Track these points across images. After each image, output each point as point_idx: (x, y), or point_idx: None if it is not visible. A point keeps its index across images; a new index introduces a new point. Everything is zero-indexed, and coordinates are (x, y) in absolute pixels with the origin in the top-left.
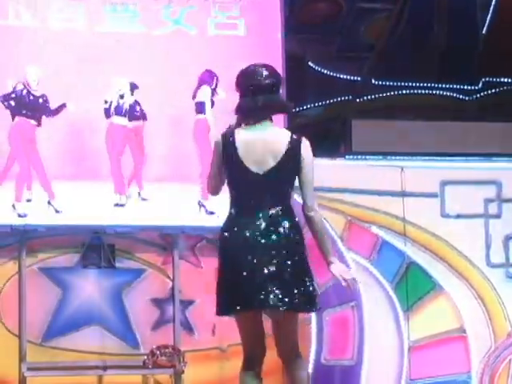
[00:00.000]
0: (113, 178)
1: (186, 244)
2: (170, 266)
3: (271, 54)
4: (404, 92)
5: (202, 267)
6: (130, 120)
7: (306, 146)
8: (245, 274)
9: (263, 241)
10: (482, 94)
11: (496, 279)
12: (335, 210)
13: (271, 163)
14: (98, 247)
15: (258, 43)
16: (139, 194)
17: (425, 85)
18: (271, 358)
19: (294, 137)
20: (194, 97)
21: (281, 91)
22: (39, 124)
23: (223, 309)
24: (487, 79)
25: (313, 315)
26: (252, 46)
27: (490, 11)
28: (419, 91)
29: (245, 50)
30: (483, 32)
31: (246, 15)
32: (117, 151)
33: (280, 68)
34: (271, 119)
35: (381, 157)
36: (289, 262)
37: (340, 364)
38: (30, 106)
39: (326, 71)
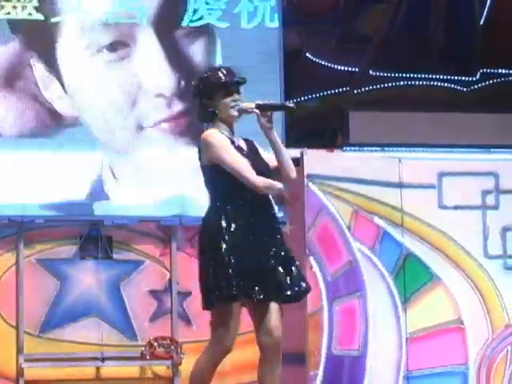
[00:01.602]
0: None
1: (183, 235)
2: (168, 258)
3: None
4: (402, 83)
5: None
6: None
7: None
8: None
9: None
10: (479, 85)
11: (493, 270)
12: (342, 199)
13: None
14: (96, 238)
15: None
16: None
17: (422, 76)
18: None
19: None
20: None
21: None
22: None
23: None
24: (485, 70)
25: (324, 305)
26: None
27: (488, 2)
28: (417, 82)
29: None
30: (481, 23)
31: None
32: None
33: (277, 59)
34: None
35: (378, 148)
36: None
37: (348, 354)
38: None
39: (323, 62)
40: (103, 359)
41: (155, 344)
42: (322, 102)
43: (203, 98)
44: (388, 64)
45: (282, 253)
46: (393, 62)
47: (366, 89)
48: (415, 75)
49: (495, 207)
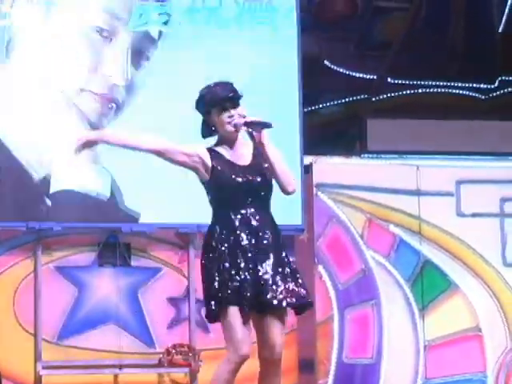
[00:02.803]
0: None
1: (202, 242)
2: (186, 265)
3: None
4: (420, 91)
5: None
6: None
7: None
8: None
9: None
10: (498, 92)
11: None
12: (355, 207)
13: None
14: (114, 246)
15: None
16: None
17: (441, 83)
18: (287, 357)
19: None
20: None
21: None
22: None
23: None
24: (504, 78)
25: (335, 314)
26: None
27: (507, 10)
28: (435, 90)
29: None
30: (500, 31)
31: None
32: None
33: (295, 67)
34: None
35: (396, 156)
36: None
37: (360, 363)
38: None
39: (341, 70)
40: (121, 367)
41: (173, 351)
42: (341, 109)
43: (203, 115)
44: (406, 71)
45: (280, 268)
46: (411, 69)
47: (385, 96)
48: (433, 82)
49: None
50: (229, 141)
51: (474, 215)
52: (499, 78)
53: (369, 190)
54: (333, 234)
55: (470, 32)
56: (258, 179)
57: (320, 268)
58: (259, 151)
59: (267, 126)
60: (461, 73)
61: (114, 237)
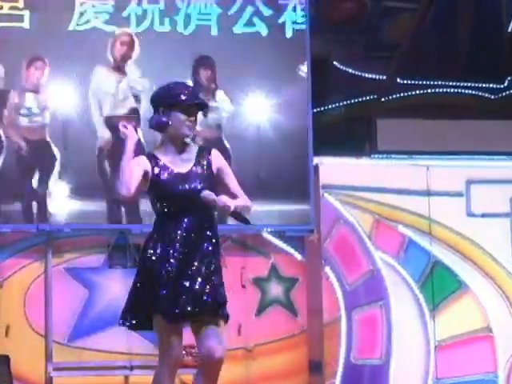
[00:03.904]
0: None
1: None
2: None
3: None
4: (429, 91)
5: (227, 267)
6: None
7: None
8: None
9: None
10: (507, 92)
11: None
12: (362, 208)
13: None
14: (124, 247)
15: None
16: None
17: (450, 84)
18: (297, 358)
19: None
20: None
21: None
22: None
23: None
24: None
25: (342, 314)
26: None
27: None
28: (444, 90)
29: None
30: (508, 30)
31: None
32: None
33: (305, 68)
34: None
35: (406, 156)
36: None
37: (369, 363)
38: None
39: (351, 70)
40: (131, 368)
41: (183, 352)
42: (350, 109)
43: (160, 106)
44: (415, 72)
45: (203, 269)
46: (420, 69)
47: (394, 96)
48: (443, 83)
49: None
50: (175, 142)
51: (484, 215)
52: (508, 78)
53: (378, 191)
54: (340, 235)
55: (479, 32)
56: (198, 187)
57: (327, 269)
58: (202, 157)
59: (246, 223)
60: (470, 73)
61: (123, 238)
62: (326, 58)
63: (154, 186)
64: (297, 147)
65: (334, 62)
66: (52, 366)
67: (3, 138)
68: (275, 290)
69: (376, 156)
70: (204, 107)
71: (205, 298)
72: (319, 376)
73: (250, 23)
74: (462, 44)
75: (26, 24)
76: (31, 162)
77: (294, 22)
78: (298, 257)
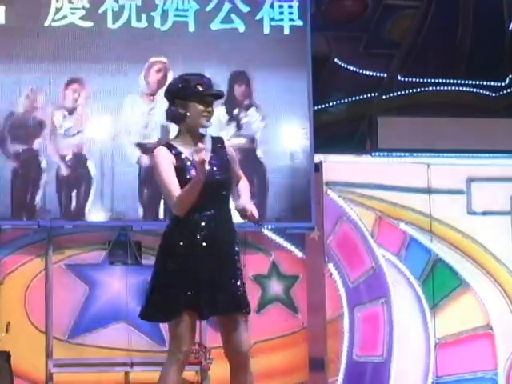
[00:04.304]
0: None
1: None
2: None
3: None
4: (430, 89)
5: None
6: None
7: None
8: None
9: None
10: (508, 90)
11: None
12: (365, 205)
13: None
14: (125, 244)
15: None
16: None
17: (451, 81)
18: (297, 356)
19: None
20: None
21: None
22: None
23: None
24: None
25: (345, 312)
26: None
27: None
28: (445, 88)
29: None
30: (509, 28)
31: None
32: None
33: (306, 65)
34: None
35: (407, 154)
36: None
37: (371, 361)
38: None
39: (351, 68)
40: (132, 364)
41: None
42: (351, 107)
43: (177, 97)
44: (416, 69)
45: (231, 265)
46: (421, 67)
47: (395, 94)
48: (444, 80)
49: None
50: (192, 133)
51: (484, 213)
52: (509, 76)
53: (379, 189)
54: (343, 233)
55: (480, 30)
56: (218, 176)
57: (330, 266)
58: (217, 147)
59: (259, 224)
60: (471, 70)
61: (124, 235)
62: (326, 55)
63: (177, 178)
64: (298, 145)
65: (335, 60)
66: (52, 363)
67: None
68: (275, 287)
69: (377, 154)
70: (220, 97)
71: (239, 293)
72: (320, 373)
73: (227, 20)
74: (463, 42)
75: (1, 19)
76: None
77: (272, 19)
78: (299, 254)
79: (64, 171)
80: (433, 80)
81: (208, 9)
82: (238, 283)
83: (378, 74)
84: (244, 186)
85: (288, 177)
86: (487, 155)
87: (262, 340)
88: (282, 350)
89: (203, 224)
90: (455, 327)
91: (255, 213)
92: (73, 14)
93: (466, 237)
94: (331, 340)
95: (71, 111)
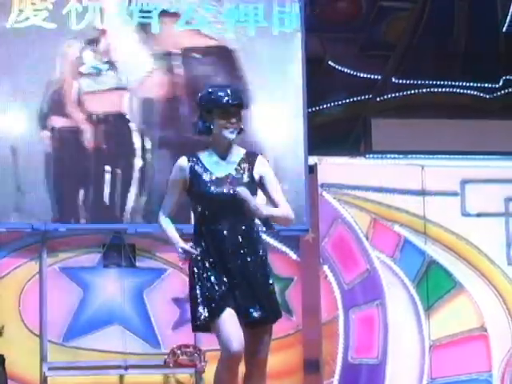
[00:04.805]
0: None
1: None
2: None
3: None
4: (424, 90)
5: None
6: None
7: None
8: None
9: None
10: (502, 92)
11: None
12: (360, 207)
13: None
14: (119, 247)
15: None
16: None
17: (445, 83)
18: (292, 358)
19: None
20: None
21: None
22: None
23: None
24: (508, 77)
25: (340, 314)
26: None
27: (511, 9)
28: (440, 90)
29: None
30: (504, 30)
31: None
32: None
33: (300, 67)
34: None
35: (401, 155)
36: None
37: (366, 363)
38: None
39: (346, 70)
40: (126, 367)
41: (178, 352)
42: (345, 109)
43: (203, 110)
44: (411, 71)
45: (258, 275)
46: (415, 69)
47: (389, 96)
48: (438, 82)
49: None
50: (219, 145)
51: (478, 215)
52: (503, 78)
53: (374, 190)
54: (338, 234)
55: (474, 32)
56: (231, 191)
57: (325, 268)
58: (245, 162)
59: (271, 230)
60: (465, 72)
61: (119, 238)
62: (321, 57)
63: (190, 188)
64: (292, 147)
65: (330, 62)
66: (47, 366)
67: None
68: None
69: (371, 155)
70: (241, 106)
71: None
72: (315, 375)
73: (191, 21)
74: (457, 44)
75: None
76: None
77: (238, 21)
78: (294, 256)
79: None
80: (427, 82)
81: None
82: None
83: (373, 76)
84: (276, 208)
85: (282, 179)
86: (481, 157)
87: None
88: (277, 352)
89: (214, 239)
90: (450, 329)
91: (262, 208)
92: (36, 15)
93: (460, 239)
94: (326, 342)
95: None
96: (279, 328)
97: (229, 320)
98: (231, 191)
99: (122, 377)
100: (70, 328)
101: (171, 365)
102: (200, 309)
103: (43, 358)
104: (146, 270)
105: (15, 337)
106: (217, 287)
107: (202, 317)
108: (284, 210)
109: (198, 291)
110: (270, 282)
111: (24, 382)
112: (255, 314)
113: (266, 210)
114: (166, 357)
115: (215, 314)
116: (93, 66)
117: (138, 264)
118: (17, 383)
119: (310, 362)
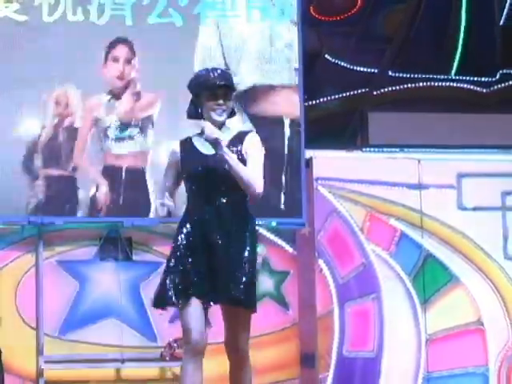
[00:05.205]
0: None
1: None
2: None
3: None
4: (421, 84)
5: None
6: None
7: None
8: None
9: None
10: (499, 85)
11: None
12: (355, 201)
13: None
14: (116, 240)
15: None
16: None
17: (442, 77)
18: (288, 352)
19: None
20: None
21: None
22: None
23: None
24: (505, 71)
25: (335, 307)
26: None
27: (508, 3)
28: (436, 83)
29: None
30: (500, 24)
31: None
32: None
33: (297, 61)
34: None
35: (398, 149)
36: None
37: (361, 356)
38: None
39: (342, 63)
40: (123, 361)
41: (175, 345)
42: (342, 103)
43: (192, 95)
44: (407, 65)
45: (238, 254)
46: (412, 62)
47: (386, 90)
48: (435, 76)
49: None
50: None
51: (475, 209)
52: (500, 71)
53: (370, 184)
54: (333, 228)
55: (471, 25)
56: (224, 167)
57: (320, 262)
58: (236, 141)
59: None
60: (462, 66)
61: (115, 231)
62: (317, 51)
63: (181, 166)
64: (289, 140)
65: (326, 55)
66: (43, 359)
67: None
68: (266, 283)
69: (367, 149)
70: (229, 87)
71: (241, 287)
72: (311, 369)
73: (164, 14)
74: (454, 37)
75: None
76: None
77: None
78: (290, 250)
79: None
80: (423, 75)
81: (145, 2)
82: (244, 279)
83: (369, 70)
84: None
85: (278, 173)
86: (478, 151)
87: (252, 336)
88: (273, 345)
89: (198, 215)
90: (446, 323)
91: (216, 134)
92: (7, 7)
93: (456, 232)
94: (322, 336)
95: None
96: (276, 322)
97: (193, 311)
98: (215, 167)
99: (118, 370)
100: (66, 321)
101: (167, 358)
102: (170, 293)
103: (39, 351)
104: (143, 264)
105: (12, 330)
106: (192, 273)
107: (170, 301)
108: (252, 175)
109: (171, 276)
110: (251, 269)
111: (20, 374)
112: (234, 292)
113: (238, 163)
114: (162, 350)
115: (183, 301)
116: None
117: (134, 257)
118: (13, 376)
119: (307, 355)
